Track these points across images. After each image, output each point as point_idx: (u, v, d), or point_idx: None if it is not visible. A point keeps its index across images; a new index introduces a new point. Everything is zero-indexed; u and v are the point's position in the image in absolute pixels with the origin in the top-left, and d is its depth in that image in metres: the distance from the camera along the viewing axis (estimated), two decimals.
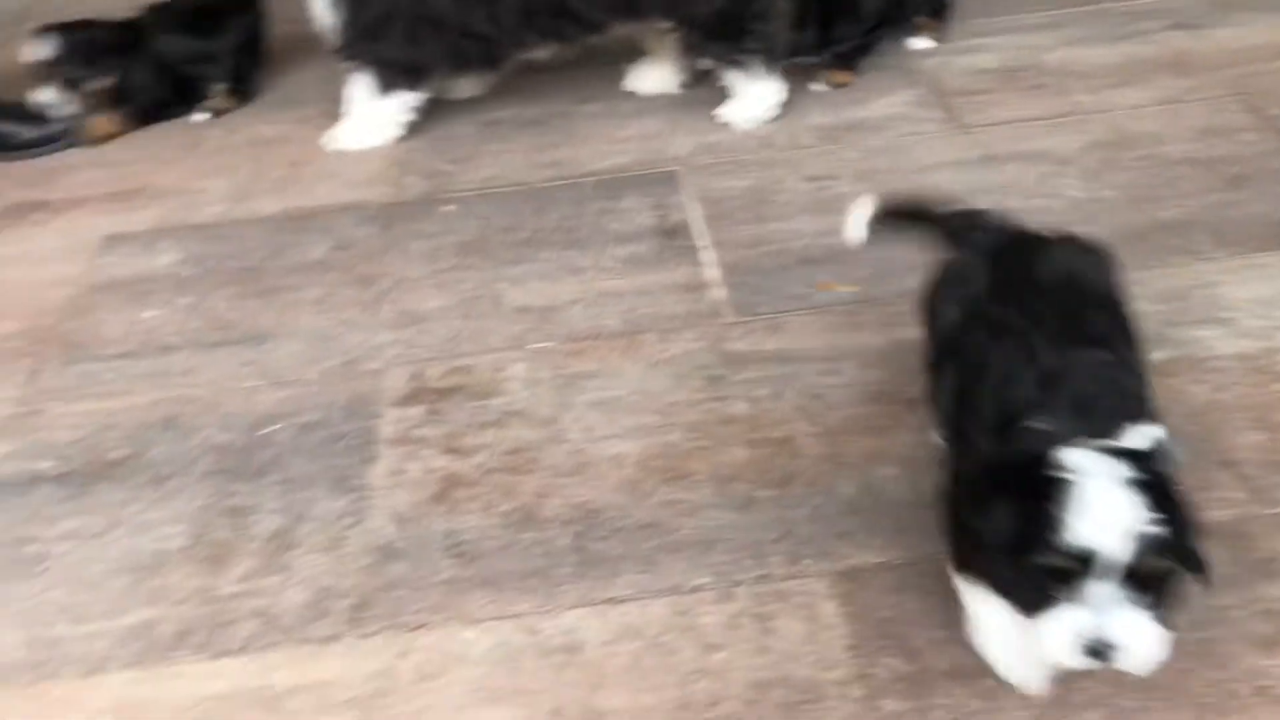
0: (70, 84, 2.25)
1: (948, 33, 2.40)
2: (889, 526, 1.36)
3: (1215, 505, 1.32)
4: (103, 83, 2.27)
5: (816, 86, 2.27)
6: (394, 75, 2.19)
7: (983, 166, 2.01)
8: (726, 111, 2.19)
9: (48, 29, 2.26)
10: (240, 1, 2.47)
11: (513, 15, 2.10)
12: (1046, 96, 2.19)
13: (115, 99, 2.30)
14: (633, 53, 2.36)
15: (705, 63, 2.23)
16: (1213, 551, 1.16)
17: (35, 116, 2.27)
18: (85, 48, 2.24)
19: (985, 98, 2.21)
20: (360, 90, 2.20)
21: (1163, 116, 2.09)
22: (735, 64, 2.17)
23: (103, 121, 2.30)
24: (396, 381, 1.66)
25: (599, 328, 1.73)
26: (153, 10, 2.40)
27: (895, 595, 1.28)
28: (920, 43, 2.39)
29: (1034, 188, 1.94)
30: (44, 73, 2.25)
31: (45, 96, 2.26)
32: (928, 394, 1.32)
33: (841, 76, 2.29)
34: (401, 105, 2.21)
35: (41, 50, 2.23)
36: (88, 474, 1.53)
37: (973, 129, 2.12)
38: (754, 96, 2.18)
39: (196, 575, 1.38)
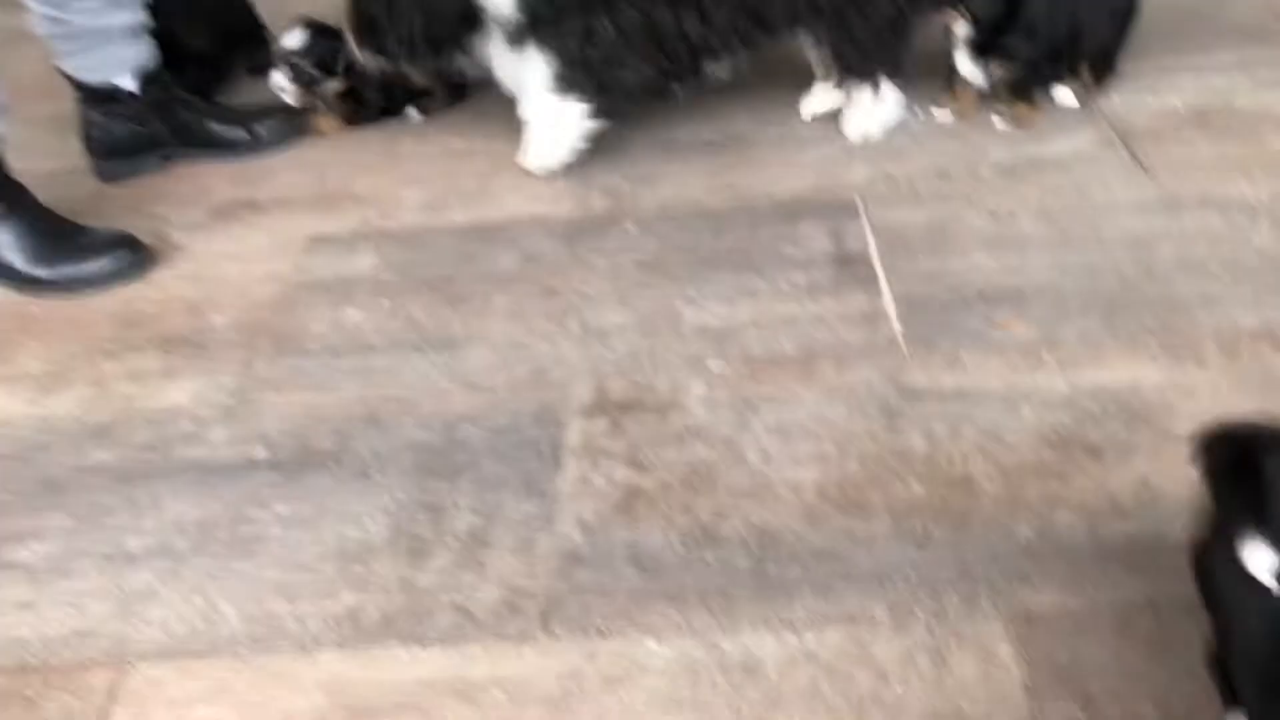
0: (303, 79, 2.44)
1: (1097, 97, 2.33)
2: (1067, 573, 1.37)
3: None
4: (332, 89, 2.45)
5: (998, 123, 2.28)
6: (573, 74, 2.17)
7: (1166, 212, 1.99)
8: (851, 124, 2.27)
9: (306, 24, 2.45)
10: None
11: (724, 15, 2.15)
12: (1235, 141, 2.15)
13: (339, 104, 2.48)
14: (807, 77, 2.41)
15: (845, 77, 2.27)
16: None
17: (247, 119, 2.44)
18: (329, 54, 2.41)
19: (1171, 140, 2.18)
20: (535, 93, 2.22)
21: None
22: (868, 79, 2.22)
23: (324, 121, 2.49)
24: (581, 393, 1.74)
25: (775, 352, 1.78)
26: None
27: (1072, 641, 1.30)
28: (1067, 95, 2.32)
29: (1220, 236, 1.91)
30: (285, 59, 2.44)
31: (277, 80, 2.46)
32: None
33: (1025, 111, 2.28)
34: (581, 113, 2.23)
35: (291, 40, 2.43)
36: (298, 462, 1.66)
37: (1156, 171, 2.10)
38: (876, 110, 2.24)
39: (398, 565, 1.48)
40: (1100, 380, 1.65)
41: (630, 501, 1.54)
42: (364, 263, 2.08)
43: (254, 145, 2.43)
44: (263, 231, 2.20)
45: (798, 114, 2.38)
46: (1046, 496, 1.48)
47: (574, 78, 2.18)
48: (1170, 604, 1.31)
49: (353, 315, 1.95)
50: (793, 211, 2.10)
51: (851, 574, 1.40)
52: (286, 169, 2.40)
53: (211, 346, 1.90)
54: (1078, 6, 2.23)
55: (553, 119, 2.24)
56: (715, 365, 1.76)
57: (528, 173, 2.30)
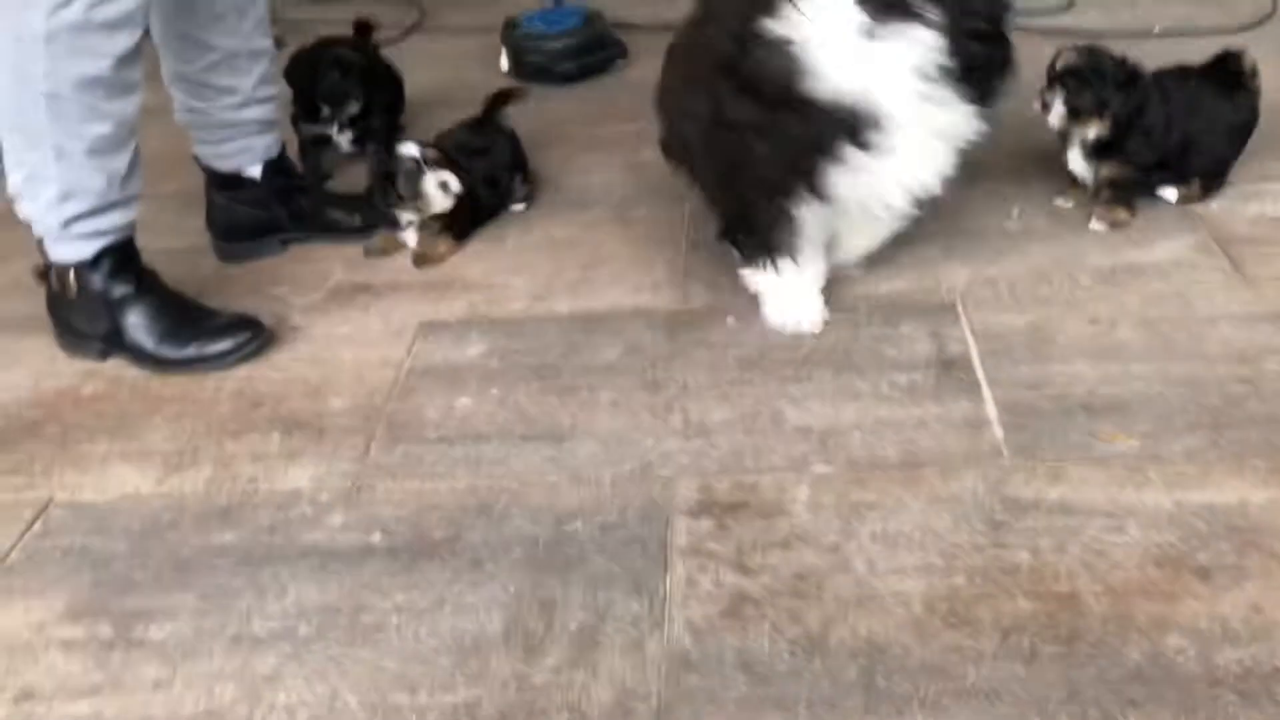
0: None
1: (1202, 201, 2.37)
2: (1178, 701, 1.37)
3: None
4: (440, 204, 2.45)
5: (1095, 225, 2.30)
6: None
7: (1270, 324, 1.99)
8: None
9: (424, 144, 2.47)
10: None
11: None
12: None
13: (449, 221, 2.47)
14: None
15: None
16: None
17: (363, 205, 2.54)
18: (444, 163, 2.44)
19: (1274, 248, 2.19)
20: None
21: None
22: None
23: (441, 244, 2.47)
24: (687, 491, 1.78)
25: (878, 456, 1.81)
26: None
27: None
28: (1172, 193, 2.36)
29: None
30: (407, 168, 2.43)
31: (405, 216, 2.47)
32: None
33: (1120, 214, 2.31)
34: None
35: (407, 150, 2.43)
36: (414, 550, 1.72)
37: (1259, 281, 2.11)
38: None
39: (512, 661, 1.52)
40: (1207, 499, 1.66)
41: (738, 606, 1.57)
42: (474, 350, 2.16)
43: (368, 230, 2.53)
44: (377, 316, 2.29)
45: None
46: (1155, 618, 1.48)
47: None
48: None
49: (464, 403, 2.02)
50: (893, 312, 2.14)
51: (960, 691, 1.42)
52: (398, 255, 2.49)
53: (330, 430, 1.98)
54: (1194, 119, 2.27)
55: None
56: (820, 468, 1.80)
57: (628, 263, 2.37)
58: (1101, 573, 1.56)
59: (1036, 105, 2.28)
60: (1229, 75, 2.32)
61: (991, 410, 1.87)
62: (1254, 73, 2.32)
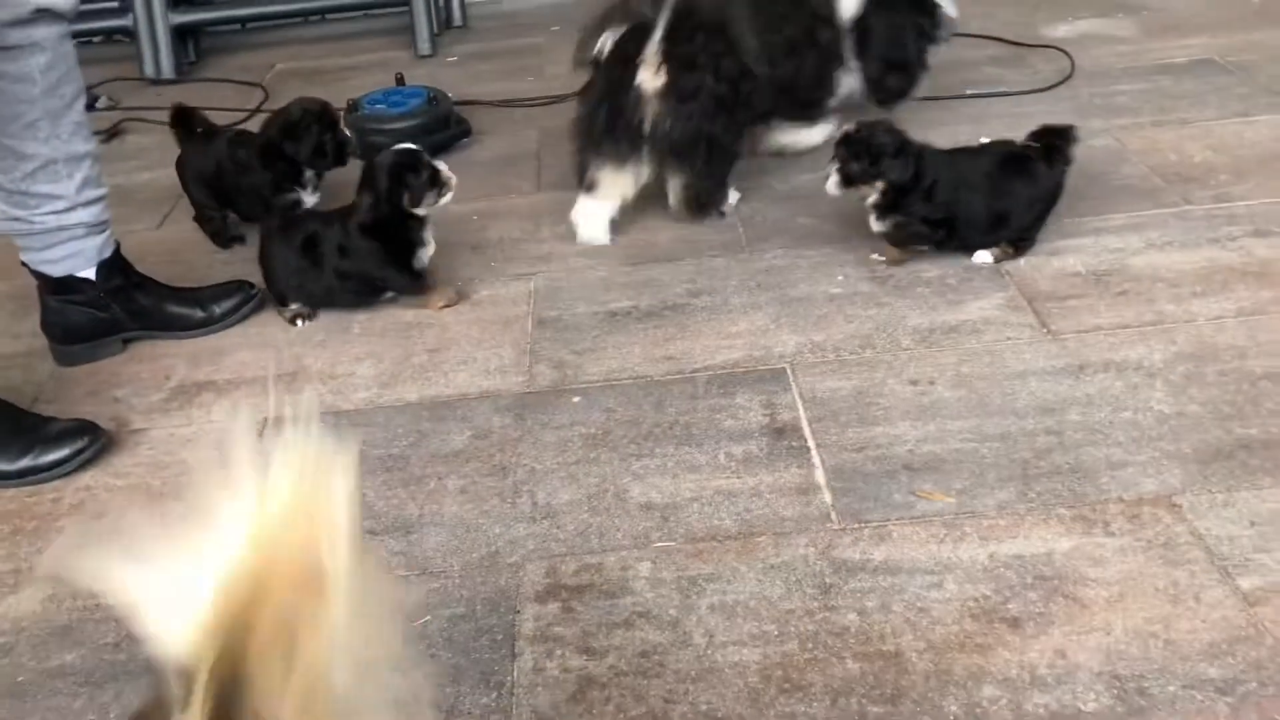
0: None
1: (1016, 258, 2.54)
2: None
3: None
4: None
5: (875, 256, 2.56)
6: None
7: (1072, 376, 2.15)
8: None
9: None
10: None
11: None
12: (1133, 303, 2.34)
13: None
14: (736, 248, 2.58)
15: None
16: None
17: (204, 299, 2.53)
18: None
19: (1074, 303, 2.36)
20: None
21: (1244, 329, 2.22)
22: None
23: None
24: (534, 576, 1.83)
25: (716, 528, 1.89)
26: None
27: None
28: (987, 256, 2.54)
29: (1122, 400, 2.07)
30: None
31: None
32: None
33: (893, 252, 2.53)
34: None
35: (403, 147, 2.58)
36: None
37: (1062, 336, 2.27)
38: None
39: None
40: (1017, 550, 1.78)
41: (584, 690, 1.62)
42: None
43: (210, 323, 2.52)
44: (220, 414, 2.28)
45: (729, 283, 2.54)
46: (971, 670, 1.59)
47: None
48: None
49: None
50: (728, 382, 2.23)
51: None
52: (243, 347, 2.49)
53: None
54: (998, 193, 2.45)
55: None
56: (661, 543, 1.87)
57: (475, 346, 2.42)
58: (923, 629, 1.66)
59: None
60: (1049, 148, 2.51)
61: (821, 475, 1.97)
62: (1072, 145, 2.51)
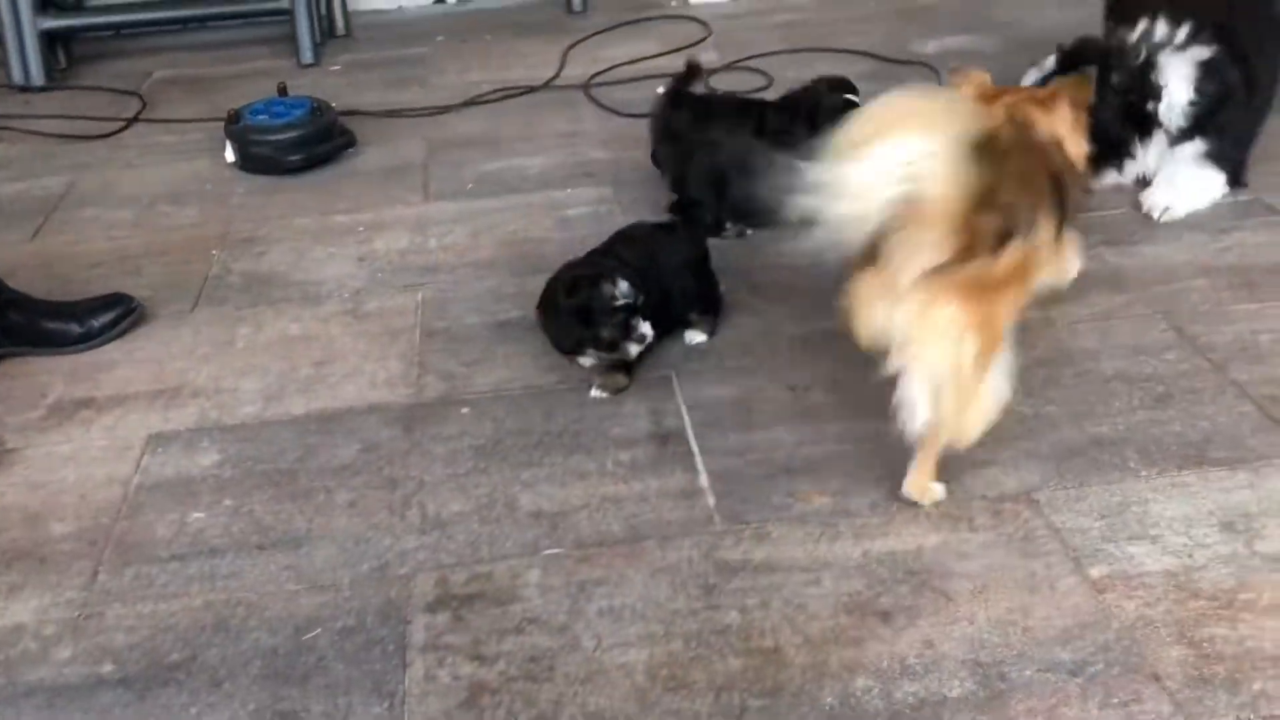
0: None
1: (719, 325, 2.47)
2: None
3: (1143, 718, 1.54)
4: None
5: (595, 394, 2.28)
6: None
7: None
8: None
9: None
10: None
11: None
12: None
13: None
14: None
15: None
16: None
17: (81, 313, 2.48)
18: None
19: None
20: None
21: (1097, 332, 2.37)
22: None
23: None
24: (424, 586, 1.85)
25: (604, 534, 1.94)
26: None
27: None
28: (697, 336, 2.42)
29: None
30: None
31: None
32: None
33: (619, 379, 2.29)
34: None
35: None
36: (149, 677, 1.71)
37: None
38: None
39: None
40: (889, 547, 1.87)
41: (476, 696, 1.65)
42: (206, 461, 2.15)
43: (87, 337, 2.47)
44: (101, 431, 2.24)
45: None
46: (846, 662, 1.67)
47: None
48: None
49: (197, 517, 2.01)
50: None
51: None
52: (123, 363, 2.45)
53: (53, 558, 1.93)
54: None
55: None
56: (550, 550, 1.91)
57: (362, 358, 2.43)
58: (800, 625, 1.74)
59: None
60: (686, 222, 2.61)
61: (704, 479, 2.04)
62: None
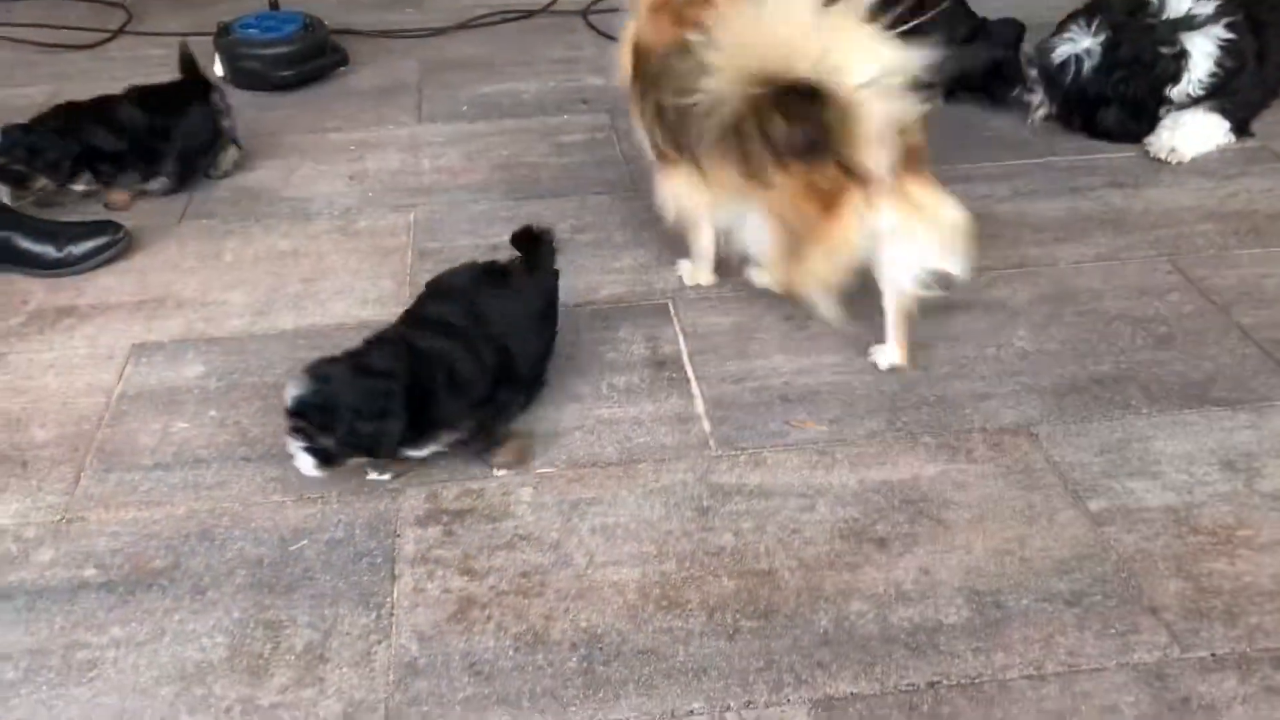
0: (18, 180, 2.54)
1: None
2: (860, 659, 1.54)
3: (1139, 648, 1.53)
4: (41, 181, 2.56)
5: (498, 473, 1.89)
6: None
7: (940, 314, 2.22)
8: None
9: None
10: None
11: None
12: (1000, 246, 2.43)
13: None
14: (620, 188, 2.59)
15: None
16: (1135, 692, 1.37)
17: (61, 236, 2.40)
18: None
19: None
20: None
21: (1100, 273, 2.34)
22: None
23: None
24: (414, 501, 1.82)
25: (598, 455, 1.91)
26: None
27: None
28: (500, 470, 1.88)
29: (986, 338, 2.16)
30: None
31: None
32: None
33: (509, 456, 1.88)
34: None
35: None
36: (131, 582, 1.67)
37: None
38: None
39: (238, 685, 1.52)
40: (885, 476, 1.85)
41: (464, 610, 1.62)
42: (191, 372, 2.10)
43: (64, 263, 2.38)
44: (84, 339, 2.19)
45: (613, 219, 2.55)
46: (841, 587, 1.65)
47: None
48: (950, 684, 1.50)
49: (181, 427, 1.97)
50: (612, 316, 2.25)
51: (670, 670, 1.53)
52: (106, 273, 2.39)
53: (35, 462, 1.89)
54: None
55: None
56: (542, 470, 1.88)
57: (353, 276, 2.38)
58: (795, 549, 1.71)
59: None
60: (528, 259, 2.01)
61: (700, 405, 2.01)
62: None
